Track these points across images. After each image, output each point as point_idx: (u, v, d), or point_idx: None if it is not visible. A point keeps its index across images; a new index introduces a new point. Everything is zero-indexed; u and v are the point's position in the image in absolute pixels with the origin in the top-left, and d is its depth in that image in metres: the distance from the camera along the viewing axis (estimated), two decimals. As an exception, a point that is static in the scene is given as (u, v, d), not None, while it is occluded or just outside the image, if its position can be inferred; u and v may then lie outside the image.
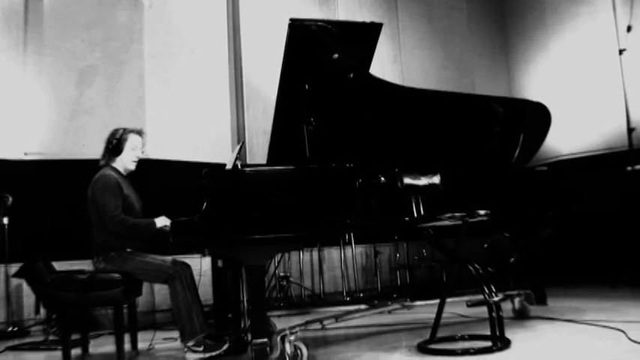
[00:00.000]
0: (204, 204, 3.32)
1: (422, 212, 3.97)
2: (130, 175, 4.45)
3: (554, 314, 4.82)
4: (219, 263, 4.52)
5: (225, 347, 3.90)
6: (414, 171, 4.01)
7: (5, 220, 5.64)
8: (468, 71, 9.43)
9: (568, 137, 8.28)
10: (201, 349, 3.85)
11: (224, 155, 6.72)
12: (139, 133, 4.44)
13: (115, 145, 4.30)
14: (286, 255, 7.30)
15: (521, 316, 4.90)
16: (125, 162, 4.36)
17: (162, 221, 4.04)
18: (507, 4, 9.86)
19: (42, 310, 5.44)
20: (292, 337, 3.58)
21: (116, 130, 4.36)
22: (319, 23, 3.74)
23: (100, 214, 4.10)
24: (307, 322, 4.02)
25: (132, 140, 4.37)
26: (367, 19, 4.09)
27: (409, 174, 3.97)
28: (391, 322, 5.29)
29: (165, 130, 6.66)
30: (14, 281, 5.69)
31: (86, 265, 4.35)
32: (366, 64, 4.12)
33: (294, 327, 3.68)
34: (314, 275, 7.58)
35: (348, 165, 3.64)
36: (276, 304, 6.81)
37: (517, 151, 5.00)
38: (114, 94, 6.51)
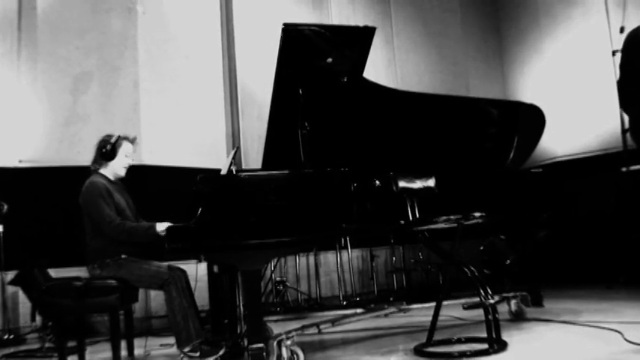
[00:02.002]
0: (200, 209, 3.32)
1: (417, 215, 3.98)
2: (125, 181, 4.46)
3: (551, 316, 4.82)
4: (215, 269, 4.52)
5: (221, 353, 3.90)
6: (409, 174, 4.01)
7: (0, 228, 5.62)
8: (462, 74, 9.45)
9: (563, 139, 8.29)
10: (197, 354, 3.85)
11: (219, 161, 6.73)
12: (132, 140, 4.48)
13: (109, 150, 4.29)
14: (282, 259, 7.30)
15: (518, 318, 4.90)
16: (116, 168, 4.37)
17: (163, 226, 3.90)
18: (501, 7, 9.88)
19: (38, 318, 5.41)
20: (289, 342, 3.58)
21: (109, 136, 4.37)
22: (312, 27, 3.74)
23: (95, 220, 4.09)
24: (304, 327, 4.02)
25: (125, 147, 4.39)
26: (361, 23, 4.08)
27: (404, 177, 3.97)
28: (388, 325, 5.29)
29: (160, 136, 6.66)
30: (10, 289, 5.67)
31: (82, 272, 4.33)
32: (360, 68, 4.13)
33: (290, 331, 3.68)
34: (310, 279, 7.58)
35: (343, 169, 3.64)
36: (273, 308, 6.80)
37: (512, 153, 5.01)
38: (109, 101, 6.51)
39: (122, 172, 4.41)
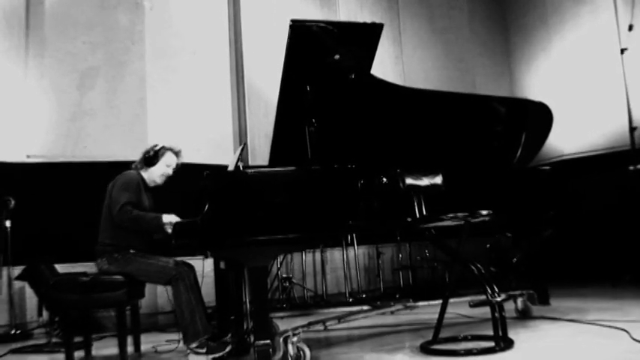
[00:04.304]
0: (206, 206, 3.32)
1: (424, 213, 3.97)
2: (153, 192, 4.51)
3: (557, 314, 4.81)
4: (222, 265, 4.52)
5: (227, 349, 3.90)
6: (416, 171, 4.00)
7: (8, 223, 5.63)
8: (469, 71, 9.42)
9: (570, 137, 8.28)
10: (204, 350, 3.86)
11: (226, 157, 6.72)
12: (177, 153, 4.55)
13: (151, 155, 4.41)
14: (289, 256, 7.30)
15: (524, 316, 4.90)
16: (154, 174, 4.45)
17: (169, 217, 3.98)
18: (508, 4, 9.86)
19: (45, 313, 5.44)
20: (295, 339, 3.58)
21: (157, 145, 4.49)
22: (320, 24, 3.73)
23: (110, 205, 4.15)
24: (310, 323, 4.03)
25: (168, 157, 4.48)
26: (368, 20, 4.09)
27: (411, 174, 3.96)
28: (394, 322, 5.29)
29: (166, 132, 6.66)
30: (17, 284, 5.68)
31: (89, 268, 4.36)
32: (367, 65, 4.11)
33: (296, 328, 3.68)
34: (316, 276, 7.59)
35: (350, 166, 3.64)
36: (279, 305, 6.81)
37: (519, 151, 5.00)
38: (115, 96, 6.52)
39: (159, 181, 4.50)
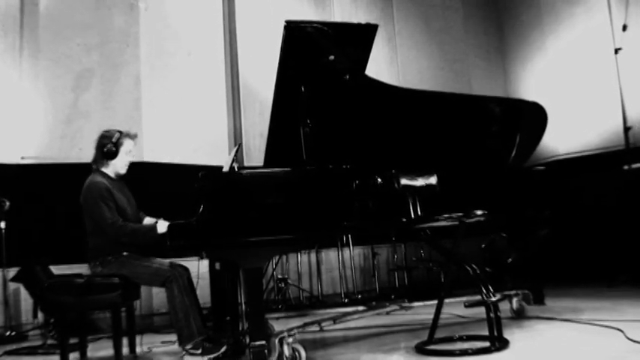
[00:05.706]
0: (201, 207, 3.32)
1: (419, 213, 3.97)
2: (126, 178, 4.43)
3: (552, 314, 4.82)
4: (217, 266, 4.51)
5: (223, 350, 3.89)
6: (411, 172, 4.01)
7: (2, 225, 5.62)
8: (464, 72, 9.44)
9: (565, 137, 8.29)
10: (199, 351, 3.85)
11: (221, 158, 6.72)
12: (133, 137, 4.40)
13: (110, 149, 4.23)
14: (284, 257, 7.30)
15: (519, 316, 4.90)
16: (117, 166, 4.32)
17: (164, 227, 3.83)
18: (503, 5, 9.87)
19: (40, 314, 5.42)
20: (290, 340, 3.58)
21: (110, 133, 4.30)
22: (315, 25, 3.74)
23: (97, 221, 4.08)
24: (305, 324, 4.02)
25: (127, 144, 4.33)
26: (363, 21, 4.08)
27: (406, 175, 3.97)
28: (389, 323, 5.29)
29: (162, 133, 6.66)
30: (12, 285, 5.67)
31: (84, 269, 4.34)
32: (362, 66, 4.12)
33: (292, 329, 3.68)
34: (312, 277, 7.58)
35: (345, 166, 3.64)
36: (274, 306, 6.80)
37: (514, 151, 5.01)
38: (110, 98, 6.51)
39: (123, 171, 4.36)
